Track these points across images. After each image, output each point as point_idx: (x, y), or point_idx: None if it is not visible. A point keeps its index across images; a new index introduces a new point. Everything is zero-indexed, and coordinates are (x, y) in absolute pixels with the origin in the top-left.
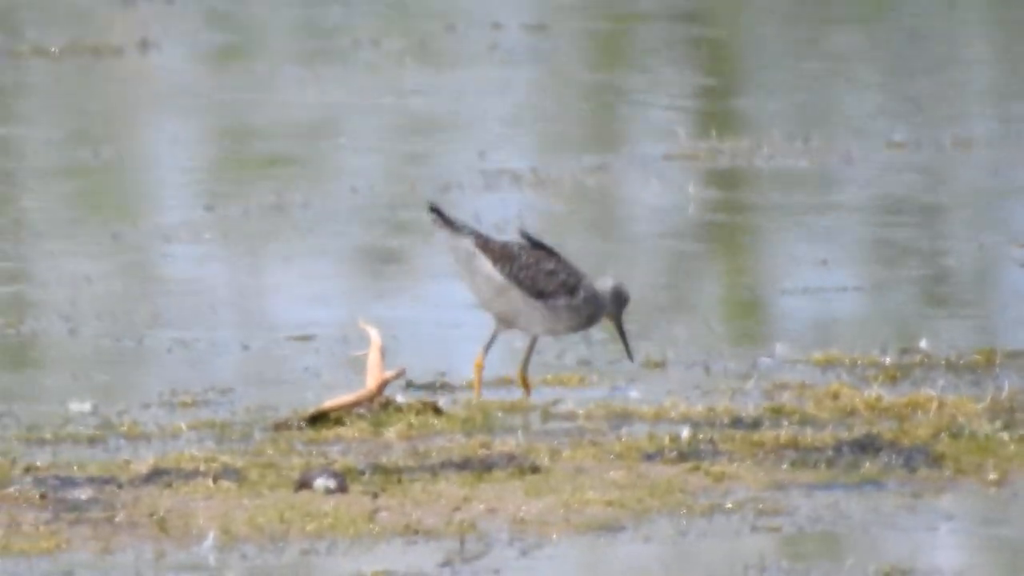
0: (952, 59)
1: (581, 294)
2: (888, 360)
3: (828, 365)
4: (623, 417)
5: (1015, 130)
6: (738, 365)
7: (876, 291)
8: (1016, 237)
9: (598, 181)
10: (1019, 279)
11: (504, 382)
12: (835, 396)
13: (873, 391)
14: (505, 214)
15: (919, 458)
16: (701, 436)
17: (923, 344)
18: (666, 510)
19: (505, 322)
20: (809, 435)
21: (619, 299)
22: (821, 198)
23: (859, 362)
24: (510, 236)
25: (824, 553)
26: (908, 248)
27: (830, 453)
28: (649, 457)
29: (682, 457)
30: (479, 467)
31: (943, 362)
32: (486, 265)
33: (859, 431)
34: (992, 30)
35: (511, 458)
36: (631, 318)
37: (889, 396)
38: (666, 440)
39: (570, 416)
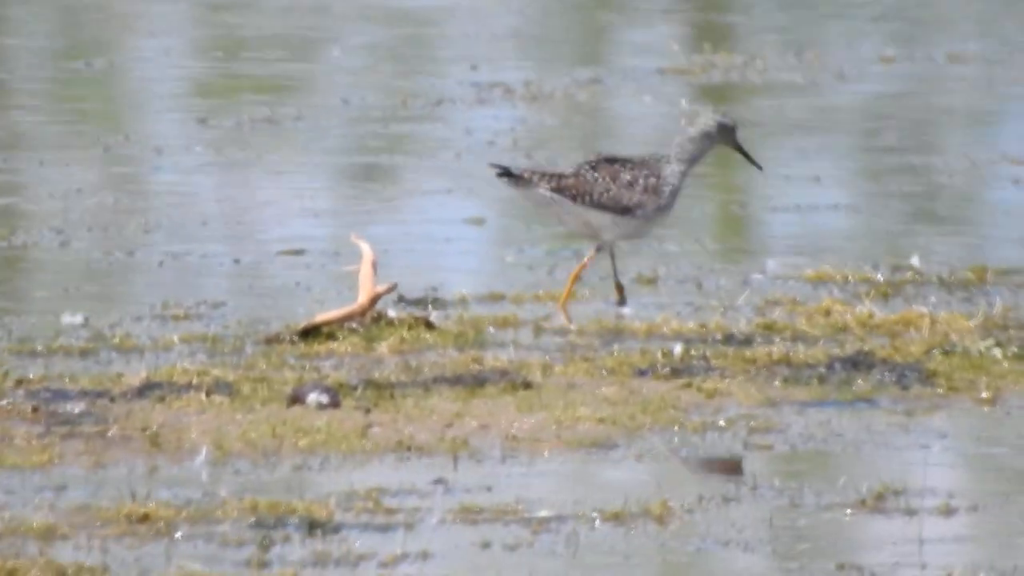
0: None
1: (667, 186)
2: (880, 277)
3: (820, 282)
4: (615, 333)
5: (1008, 45)
6: (730, 281)
7: (868, 208)
8: (1008, 154)
9: (591, 95)
10: (1011, 196)
11: (495, 297)
12: (827, 313)
13: (865, 308)
14: (497, 128)
15: (911, 375)
16: (693, 352)
17: (915, 261)
18: (658, 427)
19: (607, 244)
20: (801, 352)
21: (726, 132)
22: (814, 114)
23: (851, 279)
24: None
25: (816, 471)
26: (900, 165)
27: (822, 370)
28: (641, 373)
29: (674, 373)
30: (471, 383)
31: (935, 279)
32: (567, 204)
33: (851, 348)
34: None
35: (503, 374)
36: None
37: (881, 313)
38: (658, 356)
39: (562, 331)
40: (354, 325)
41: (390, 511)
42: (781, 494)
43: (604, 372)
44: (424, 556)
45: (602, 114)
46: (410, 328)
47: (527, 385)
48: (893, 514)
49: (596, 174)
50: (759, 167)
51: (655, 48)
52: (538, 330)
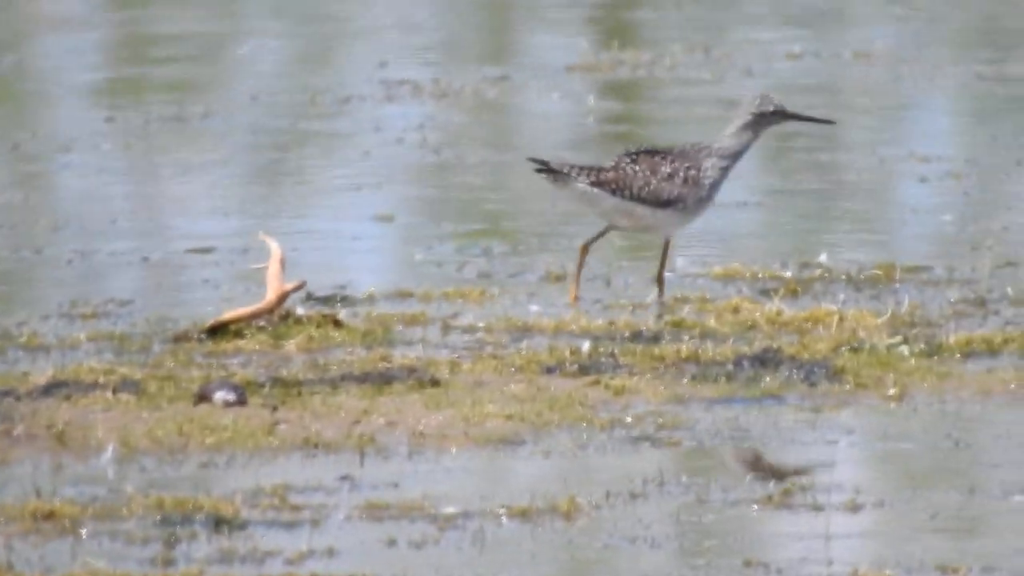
0: None
1: (708, 179)
2: (789, 274)
3: (728, 279)
4: (523, 330)
5: (915, 42)
6: (639, 279)
7: (777, 205)
8: (916, 151)
9: (499, 92)
10: (919, 193)
11: (403, 294)
12: (735, 310)
13: (773, 305)
14: (406, 125)
15: (819, 372)
16: (601, 350)
17: (823, 258)
18: (566, 423)
19: (646, 233)
20: (709, 349)
21: (770, 118)
22: (722, 110)
23: (760, 276)
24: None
25: (723, 468)
26: (808, 162)
27: (730, 367)
28: (549, 370)
29: (582, 371)
30: (379, 380)
31: (843, 276)
32: (607, 199)
33: (759, 345)
34: None
35: (411, 371)
36: (533, 232)
37: (789, 310)
38: (567, 354)
39: (470, 329)
40: (262, 323)
41: (296, 508)
42: (688, 490)
43: (512, 369)
44: (330, 553)
45: (511, 111)
46: (318, 326)
47: (435, 382)
48: (800, 510)
49: (636, 167)
50: (831, 122)
51: (563, 45)
52: (446, 328)
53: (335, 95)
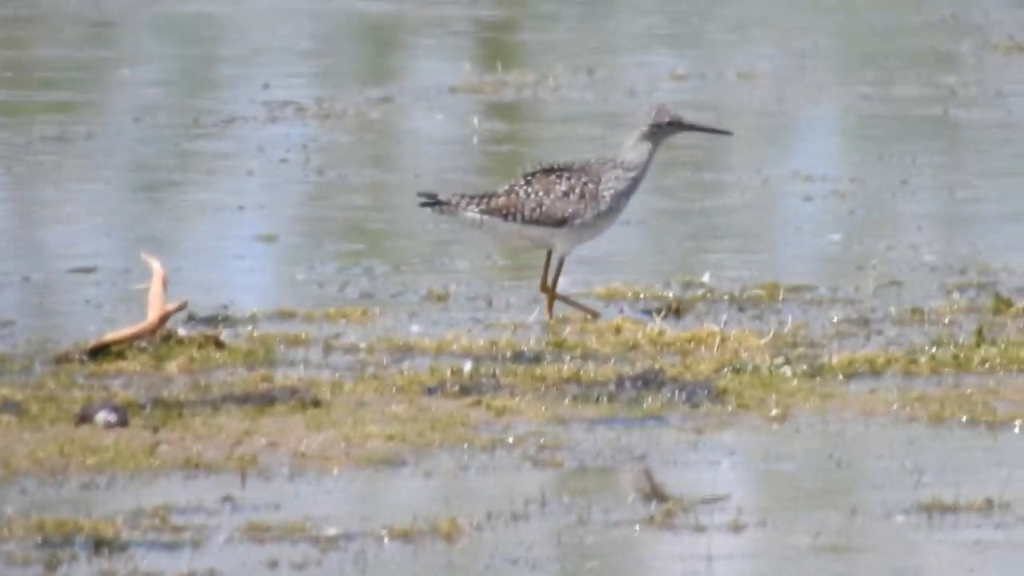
0: None
1: (609, 191)
2: (671, 294)
3: (611, 299)
4: (405, 351)
5: (797, 64)
6: (520, 299)
7: (660, 224)
8: (799, 170)
9: (383, 113)
10: (802, 213)
11: (285, 315)
12: (617, 330)
13: (656, 325)
14: (289, 145)
15: (701, 393)
16: (483, 370)
17: (706, 278)
18: (447, 444)
19: (558, 253)
20: (591, 369)
21: (664, 131)
22: (605, 131)
23: (642, 296)
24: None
25: (605, 488)
26: (692, 181)
27: (612, 388)
28: (431, 391)
29: (464, 391)
30: (260, 401)
31: (726, 296)
32: (500, 224)
33: (641, 366)
34: None
35: (293, 392)
36: (415, 252)
37: (672, 331)
38: (448, 374)
39: (352, 349)
40: (144, 344)
41: (177, 529)
42: (570, 511)
43: (394, 390)
44: (211, 574)
45: (394, 132)
46: (200, 347)
47: (316, 403)
48: (682, 531)
49: (529, 188)
50: (728, 133)
51: (447, 66)
52: (328, 348)
53: (218, 116)
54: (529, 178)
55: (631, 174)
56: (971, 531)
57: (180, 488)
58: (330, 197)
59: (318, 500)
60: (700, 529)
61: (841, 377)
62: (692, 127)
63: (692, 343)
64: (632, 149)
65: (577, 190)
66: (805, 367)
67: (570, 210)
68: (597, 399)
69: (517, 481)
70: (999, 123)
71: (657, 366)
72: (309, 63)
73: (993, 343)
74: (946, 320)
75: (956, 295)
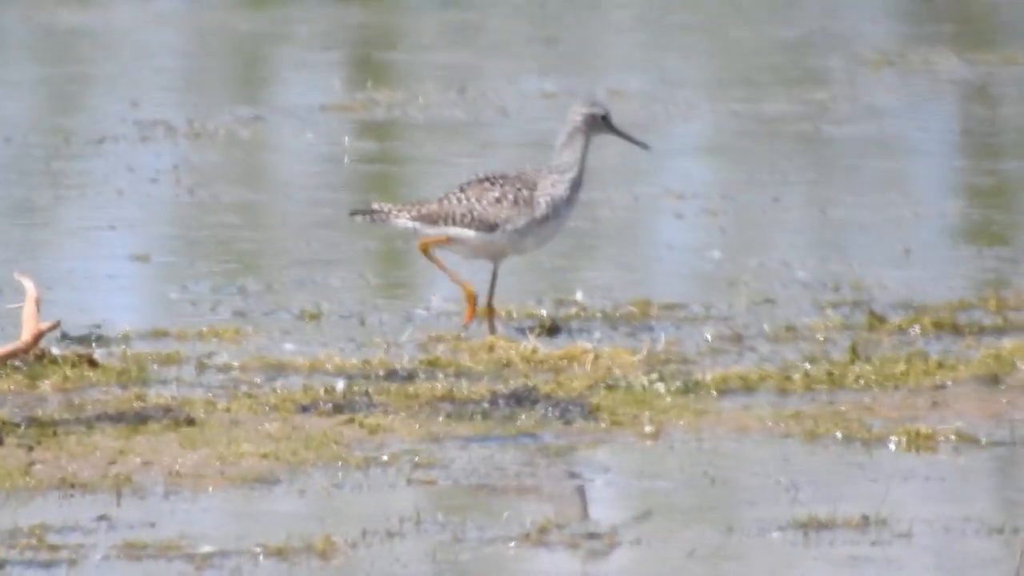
0: (599, 6)
1: (545, 197)
2: (544, 312)
3: (484, 317)
4: (278, 369)
5: (667, 81)
6: (393, 317)
7: None
8: (671, 188)
9: (253, 132)
10: (674, 230)
11: (159, 334)
12: (491, 348)
13: (529, 343)
14: (159, 166)
15: (575, 410)
16: (356, 388)
17: (579, 296)
18: (321, 462)
19: (493, 260)
20: (464, 387)
21: (597, 122)
22: (476, 148)
23: (515, 314)
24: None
25: (479, 506)
26: None
27: (485, 406)
28: (304, 409)
29: (337, 409)
30: (134, 420)
31: (599, 314)
32: (430, 231)
33: (515, 383)
34: None
35: (166, 410)
36: (287, 271)
37: (545, 348)
38: (321, 392)
39: (225, 368)
40: (17, 363)
41: (54, 548)
42: (444, 529)
43: (267, 408)
44: None
45: (265, 151)
46: (73, 366)
47: (190, 422)
48: (556, 547)
49: (462, 195)
50: (646, 147)
51: (317, 85)
52: (201, 367)
53: (88, 136)
54: (464, 186)
55: (568, 175)
56: (847, 547)
57: (56, 507)
58: (202, 216)
59: (193, 518)
60: (575, 546)
61: (715, 394)
62: (616, 132)
63: (565, 361)
64: (565, 148)
65: (510, 196)
66: (679, 384)
67: (504, 215)
68: (471, 417)
69: (391, 499)
70: (870, 139)
71: (531, 384)
72: (179, 81)
73: (867, 359)
74: (820, 337)
75: (830, 312)
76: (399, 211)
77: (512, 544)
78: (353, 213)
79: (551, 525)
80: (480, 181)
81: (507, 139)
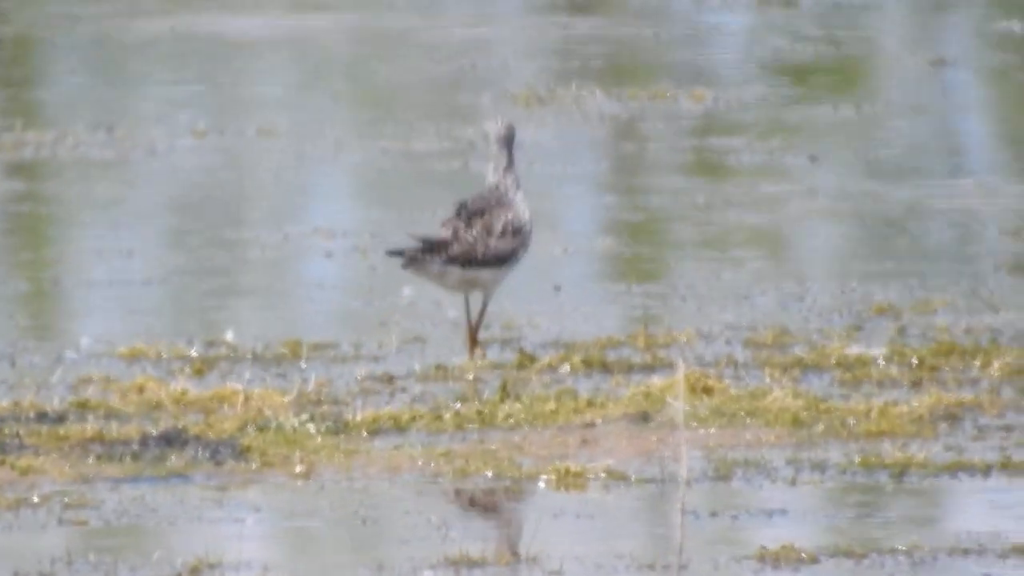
0: (251, 47)
1: (525, 217)
2: (194, 352)
3: (134, 358)
4: None
5: (316, 120)
6: (43, 359)
7: (182, 282)
8: (320, 227)
9: None
10: (323, 269)
11: None
12: (141, 390)
13: (179, 384)
14: None
15: (225, 451)
16: (7, 430)
17: (229, 336)
18: None
19: (487, 295)
20: (115, 429)
21: (511, 135)
22: (126, 189)
23: (164, 355)
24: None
25: (131, 546)
26: (212, 238)
27: (136, 447)
28: None
29: None
30: None
31: (249, 354)
32: (455, 272)
33: (165, 424)
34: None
35: None
36: None
37: (195, 389)
38: None
39: None
40: None
41: None
42: (97, 569)
43: None
44: None
45: None
46: None
47: None
48: None
49: (474, 233)
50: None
51: None
52: None
53: None
54: (466, 220)
55: (521, 191)
56: None
57: None
58: None
59: None
60: None
61: (366, 434)
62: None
63: (215, 401)
64: (505, 170)
65: (511, 225)
66: (329, 424)
67: (510, 248)
68: (121, 458)
69: (43, 540)
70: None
71: (181, 425)
72: None
73: (518, 398)
74: (470, 376)
75: (480, 350)
76: (431, 255)
77: None
78: (391, 253)
79: (203, 565)
80: (472, 214)
81: (156, 179)
